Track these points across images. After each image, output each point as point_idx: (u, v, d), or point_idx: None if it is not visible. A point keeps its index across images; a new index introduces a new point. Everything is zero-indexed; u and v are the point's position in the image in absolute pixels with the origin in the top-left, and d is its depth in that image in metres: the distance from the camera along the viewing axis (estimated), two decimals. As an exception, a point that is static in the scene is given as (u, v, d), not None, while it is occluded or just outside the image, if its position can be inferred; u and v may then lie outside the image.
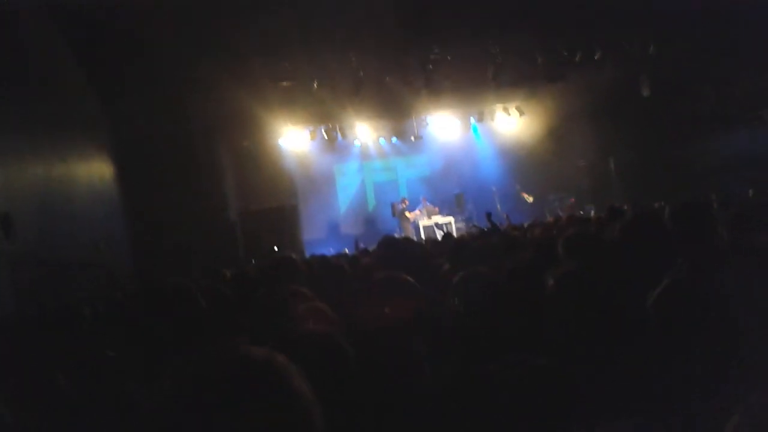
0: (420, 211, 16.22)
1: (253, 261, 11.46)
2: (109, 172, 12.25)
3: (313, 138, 16.97)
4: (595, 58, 14.75)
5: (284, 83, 14.08)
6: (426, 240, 12.63)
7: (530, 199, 16.86)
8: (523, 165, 17.66)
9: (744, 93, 14.36)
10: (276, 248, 12.57)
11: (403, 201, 16.49)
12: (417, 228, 15.79)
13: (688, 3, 12.21)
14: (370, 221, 17.38)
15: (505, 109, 17.83)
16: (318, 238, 16.36)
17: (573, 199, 16.64)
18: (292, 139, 16.98)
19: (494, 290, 2.43)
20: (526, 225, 10.56)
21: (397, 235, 10.04)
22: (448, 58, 14.42)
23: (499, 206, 16.60)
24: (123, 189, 12.49)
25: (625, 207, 8.73)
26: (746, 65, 14.14)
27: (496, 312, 2.38)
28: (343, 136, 17.05)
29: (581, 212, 14.58)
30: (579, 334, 2.18)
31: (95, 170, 11.63)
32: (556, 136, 17.13)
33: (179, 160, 12.90)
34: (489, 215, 8.63)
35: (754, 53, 13.78)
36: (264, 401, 0.92)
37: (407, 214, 16.12)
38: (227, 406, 0.90)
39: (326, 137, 16.92)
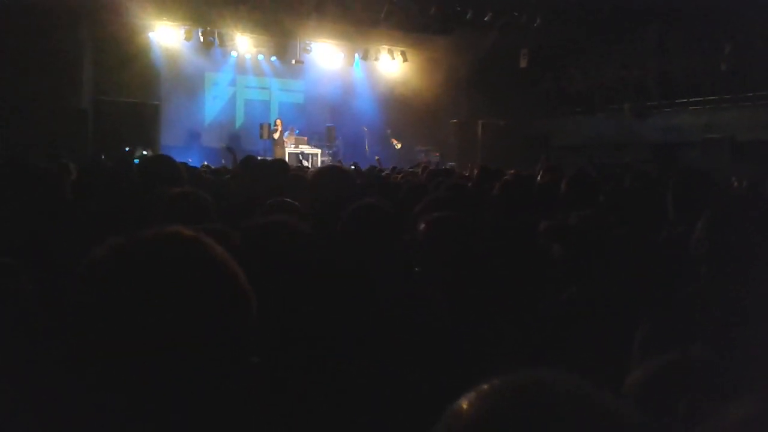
0: (289, 136, 15.87)
1: (103, 157, 10.64)
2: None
3: (188, 39, 15.79)
4: (485, 19, 15.05)
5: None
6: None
7: (398, 146, 17.09)
8: (398, 111, 17.75)
9: (610, 83, 15.41)
10: (145, 151, 11.75)
11: (276, 122, 15.99)
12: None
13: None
14: (234, 138, 16.66)
15: (390, 52, 17.76)
16: (177, 145, 15.39)
17: (438, 154, 17.08)
18: (165, 35, 15.72)
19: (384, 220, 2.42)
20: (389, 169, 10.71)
21: (260, 158, 9.76)
22: (345, -14, 14.05)
23: (367, 147, 16.66)
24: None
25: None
26: (617, 58, 15.16)
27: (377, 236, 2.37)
28: (221, 43, 16.09)
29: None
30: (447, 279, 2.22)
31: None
32: (434, 90, 17.36)
33: (32, 33, 11.52)
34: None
35: (622, 48, 14.81)
36: (208, 286, 0.87)
37: (275, 136, 15.71)
38: (165, 288, 0.84)
39: (202, 41, 15.87)
